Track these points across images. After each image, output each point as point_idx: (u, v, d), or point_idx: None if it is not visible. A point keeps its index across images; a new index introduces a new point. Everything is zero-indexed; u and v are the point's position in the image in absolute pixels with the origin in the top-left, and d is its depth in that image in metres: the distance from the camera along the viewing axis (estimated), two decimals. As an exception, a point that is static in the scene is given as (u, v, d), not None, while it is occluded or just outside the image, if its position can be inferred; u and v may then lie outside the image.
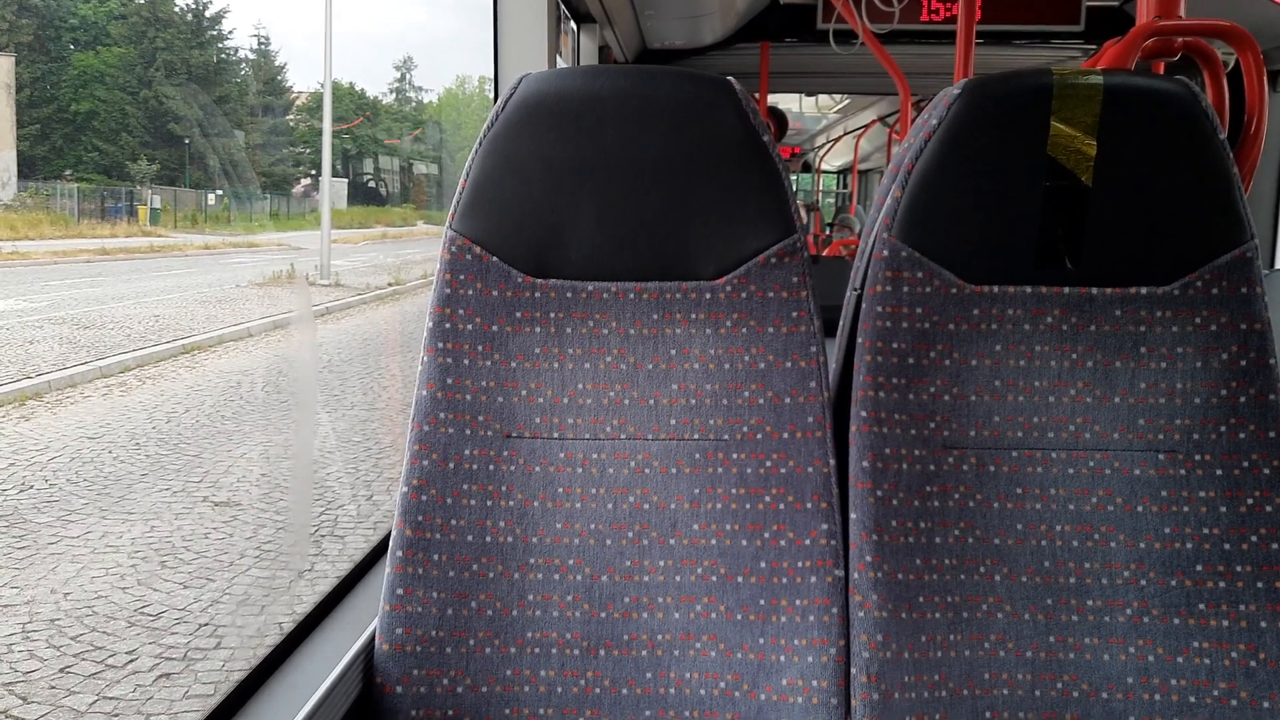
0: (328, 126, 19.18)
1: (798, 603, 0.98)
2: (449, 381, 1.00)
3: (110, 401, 7.43)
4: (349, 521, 5.05)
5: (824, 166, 11.96)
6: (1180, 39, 1.30)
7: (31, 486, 5.42)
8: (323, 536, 4.85)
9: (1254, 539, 0.96)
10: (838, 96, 6.28)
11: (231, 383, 8.25)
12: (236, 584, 4.26)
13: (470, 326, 1.01)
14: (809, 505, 0.99)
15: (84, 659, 3.59)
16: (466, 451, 1.00)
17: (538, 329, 1.01)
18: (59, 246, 19.37)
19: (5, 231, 20.44)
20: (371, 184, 40.74)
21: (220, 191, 29.91)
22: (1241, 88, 1.25)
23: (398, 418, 7.30)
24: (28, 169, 29.02)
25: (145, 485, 5.50)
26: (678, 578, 0.99)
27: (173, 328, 10.50)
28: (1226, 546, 0.96)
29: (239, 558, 4.54)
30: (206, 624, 3.87)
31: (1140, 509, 0.97)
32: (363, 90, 43.11)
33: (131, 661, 3.58)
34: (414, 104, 46.83)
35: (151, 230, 24.70)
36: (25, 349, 8.96)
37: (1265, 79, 1.24)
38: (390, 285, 15.67)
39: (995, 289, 0.99)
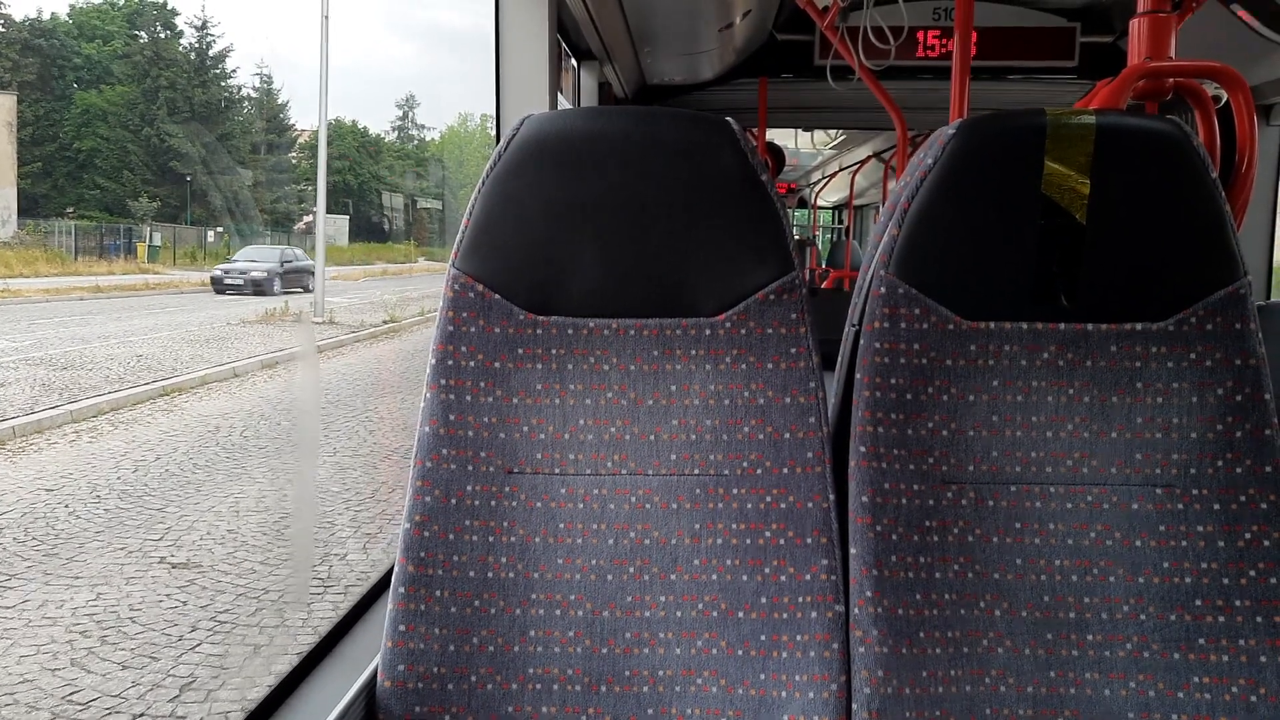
0: (322, 161, 19.03)
1: (798, 638, 0.98)
2: (451, 418, 1.01)
3: (77, 449, 7.01)
4: (318, 586, 4.59)
5: (820, 202, 11.83)
6: (1171, 79, 1.33)
7: (-28, 547, 4.97)
8: (287, 604, 4.39)
9: (1252, 573, 0.96)
10: (833, 133, 6.38)
11: (209, 427, 7.83)
12: (182, 664, 3.79)
13: (472, 363, 1.01)
14: (809, 540, 0.99)
15: (-6, 760, 3.13)
16: (468, 487, 1.00)
17: (539, 365, 1.02)
18: (53, 284, 19.14)
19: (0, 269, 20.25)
20: (374, 220, 40.65)
21: (221, 229, 29.78)
22: (1232, 125, 1.27)
23: (382, 465, 6.86)
24: (30, 206, 28.93)
25: (99, 544, 5.05)
26: (679, 613, 1.00)
27: (154, 368, 10.11)
28: (1225, 581, 0.96)
29: (189, 631, 4.07)
30: (141, 715, 3.40)
31: (1139, 543, 0.98)
32: (365, 128, 43.18)
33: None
34: (416, 141, 46.93)
35: (149, 267, 24.51)
36: (-4, 392, 8.56)
37: (1255, 117, 1.27)
38: (386, 322, 15.31)
39: (992, 325, 0.99)
